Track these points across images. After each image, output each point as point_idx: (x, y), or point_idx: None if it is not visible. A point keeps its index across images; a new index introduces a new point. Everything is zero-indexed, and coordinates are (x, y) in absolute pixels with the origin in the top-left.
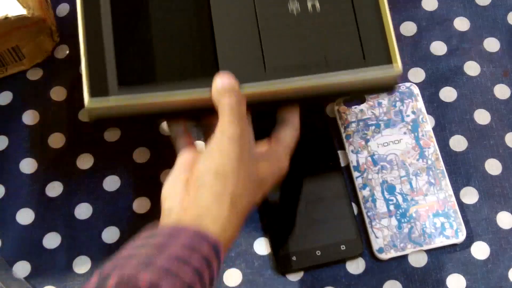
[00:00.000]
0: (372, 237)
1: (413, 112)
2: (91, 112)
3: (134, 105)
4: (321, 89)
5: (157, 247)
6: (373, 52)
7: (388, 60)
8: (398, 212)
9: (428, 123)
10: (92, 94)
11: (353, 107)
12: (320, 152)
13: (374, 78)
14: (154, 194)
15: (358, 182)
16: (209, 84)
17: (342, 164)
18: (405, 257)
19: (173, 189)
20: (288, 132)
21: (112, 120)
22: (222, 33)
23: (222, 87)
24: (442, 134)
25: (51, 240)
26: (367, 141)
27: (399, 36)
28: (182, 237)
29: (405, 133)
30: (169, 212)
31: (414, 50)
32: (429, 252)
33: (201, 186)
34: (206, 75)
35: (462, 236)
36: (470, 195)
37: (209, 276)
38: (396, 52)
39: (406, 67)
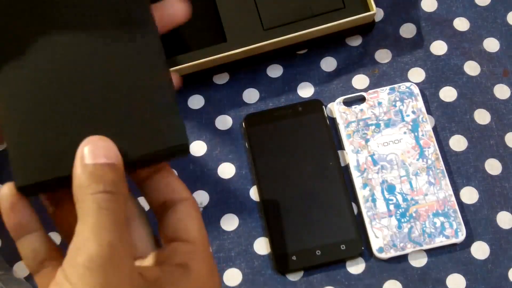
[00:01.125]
0: (372, 237)
1: (413, 112)
2: None
3: None
4: (310, 35)
5: None
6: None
7: (365, 10)
8: (398, 211)
9: (428, 123)
10: None
11: (353, 107)
12: (320, 152)
13: (353, 19)
14: None
15: (358, 182)
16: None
17: (342, 164)
18: (405, 256)
19: None
20: (190, 220)
21: None
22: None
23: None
24: (442, 134)
25: None
26: (367, 140)
27: (399, 38)
28: None
29: (405, 132)
30: None
31: (414, 50)
32: (429, 252)
33: None
34: (215, 43)
35: (462, 236)
36: (470, 195)
37: None
38: (372, 2)
39: (406, 67)
